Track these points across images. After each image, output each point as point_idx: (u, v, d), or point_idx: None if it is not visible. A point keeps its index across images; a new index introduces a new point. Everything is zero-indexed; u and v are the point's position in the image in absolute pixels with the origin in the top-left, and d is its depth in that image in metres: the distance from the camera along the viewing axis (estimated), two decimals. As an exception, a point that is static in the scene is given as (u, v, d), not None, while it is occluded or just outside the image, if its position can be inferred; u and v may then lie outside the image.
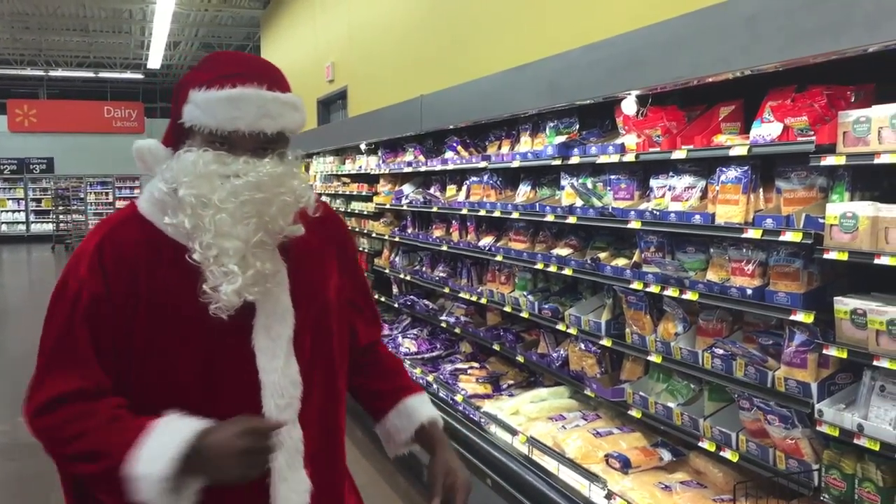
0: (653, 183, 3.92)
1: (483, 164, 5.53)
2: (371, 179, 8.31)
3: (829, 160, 2.84)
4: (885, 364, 2.68)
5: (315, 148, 10.25)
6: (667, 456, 3.92)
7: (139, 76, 27.63)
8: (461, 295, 5.97)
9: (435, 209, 6.32)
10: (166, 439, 1.56)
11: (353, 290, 2.07)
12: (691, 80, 3.35)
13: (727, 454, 3.38)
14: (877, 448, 2.71)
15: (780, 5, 2.90)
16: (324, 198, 10.07)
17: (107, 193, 29.10)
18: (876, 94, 2.94)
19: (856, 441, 2.79)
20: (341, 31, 11.26)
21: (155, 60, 22.89)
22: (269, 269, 1.69)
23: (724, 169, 3.37)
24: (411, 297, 7.05)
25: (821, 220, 2.88)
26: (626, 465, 3.82)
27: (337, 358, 1.95)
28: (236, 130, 1.66)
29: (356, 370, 2.10)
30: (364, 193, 8.43)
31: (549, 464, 4.12)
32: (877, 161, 2.67)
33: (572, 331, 4.49)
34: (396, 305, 7.37)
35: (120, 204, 27.44)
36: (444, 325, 6.31)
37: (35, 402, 1.67)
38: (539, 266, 4.76)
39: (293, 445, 1.76)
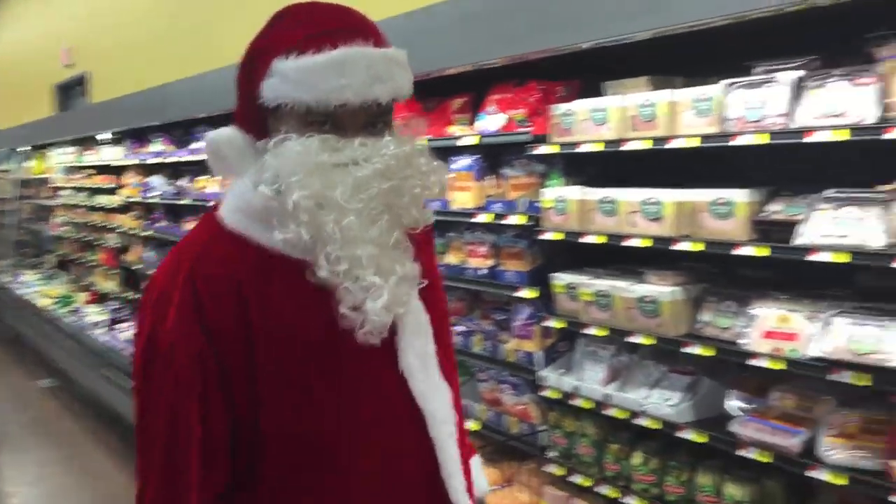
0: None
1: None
2: (116, 171, 7.86)
3: (544, 149, 3.14)
4: (593, 331, 3.02)
5: (52, 138, 9.49)
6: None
7: None
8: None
9: (186, 201, 6.13)
10: None
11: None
12: (427, 74, 3.53)
13: (470, 424, 3.62)
14: (590, 406, 3.05)
15: (500, 6, 3.13)
16: (65, 192, 9.37)
17: None
18: (582, 89, 3.27)
19: (572, 402, 3.12)
20: (80, 11, 10.48)
21: None
22: (411, 272, 1.35)
23: (456, 158, 3.59)
24: (165, 293, 6.78)
25: (538, 205, 3.17)
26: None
27: (456, 373, 1.63)
28: (344, 104, 1.28)
29: None
30: (109, 186, 7.95)
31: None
32: (579, 150, 2.99)
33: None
34: (149, 302, 7.04)
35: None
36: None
37: None
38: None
39: (461, 480, 1.44)
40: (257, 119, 1.36)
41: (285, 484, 1.33)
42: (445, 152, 3.76)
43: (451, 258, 3.73)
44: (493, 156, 3.59)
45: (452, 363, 1.58)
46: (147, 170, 7.20)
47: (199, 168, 6.22)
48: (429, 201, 1.42)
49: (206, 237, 1.36)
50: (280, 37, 1.33)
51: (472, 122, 3.69)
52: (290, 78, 1.28)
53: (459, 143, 3.47)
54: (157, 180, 6.91)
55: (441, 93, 3.90)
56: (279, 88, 1.29)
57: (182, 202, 6.21)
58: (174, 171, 6.86)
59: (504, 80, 3.54)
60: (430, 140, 3.67)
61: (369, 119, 1.32)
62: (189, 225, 6.28)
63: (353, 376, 1.34)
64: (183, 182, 6.46)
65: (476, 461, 1.68)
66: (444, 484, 1.39)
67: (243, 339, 1.28)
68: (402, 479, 1.38)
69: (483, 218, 3.42)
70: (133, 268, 7.38)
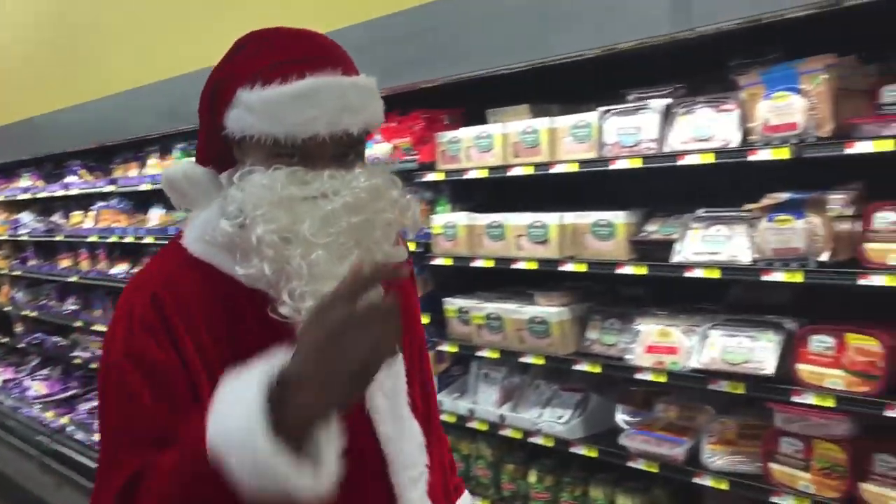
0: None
1: (110, 188, 5.27)
2: (-19, 208, 7.43)
3: (431, 176, 3.18)
4: (486, 354, 3.08)
5: None
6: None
7: None
8: (96, 327, 5.60)
9: (60, 237, 5.86)
10: (237, 395, 1.07)
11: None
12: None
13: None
14: (485, 428, 3.10)
15: (384, 37, 3.17)
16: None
17: None
18: (465, 117, 3.35)
19: (469, 425, 3.16)
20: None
21: None
22: None
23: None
24: (39, 334, 6.46)
25: (428, 231, 3.22)
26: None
27: (436, 409, 1.57)
28: (314, 136, 1.21)
29: None
30: (-26, 224, 7.50)
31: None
32: (466, 177, 3.05)
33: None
34: (22, 345, 6.70)
35: None
36: (78, 361, 5.87)
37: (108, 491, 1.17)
38: (177, 291, 4.65)
39: None
40: (222, 150, 1.31)
41: None
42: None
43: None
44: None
45: (431, 400, 1.52)
46: (15, 206, 6.85)
47: (74, 203, 5.97)
48: (404, 234, 1.37)
49: (174, 266, 1.30)
50: (243, 65, 1.27)
51: (358, 151, 3.71)
52: (255, 109, 1.22)
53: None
54: (26, 217, 6.58)
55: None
56: (244, 120, 1.23)
57: (55, 238, 5.94)
58: (45, 206, 6.55)
59: (388, 110, 3.56)
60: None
61: (340, 150, 1.26)
62: (66, 262, 6.01)
63: None
64: (56, 218, 6.18)
65: (465, 500, 1.62)
66: None
67: (203, 360, 1.22)
68: None
69: (373, 246, 3.42)
70: (3, 309, 6.97)
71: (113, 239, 5.20)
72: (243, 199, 1.21)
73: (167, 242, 1.38)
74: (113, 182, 5.24)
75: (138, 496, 1.14)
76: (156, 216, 5.05)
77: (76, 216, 5.89)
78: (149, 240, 4.87)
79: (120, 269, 5.32)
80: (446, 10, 2.92)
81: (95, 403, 5.46)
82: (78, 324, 5.82)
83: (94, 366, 5.72)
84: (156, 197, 5.09)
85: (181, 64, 4.57)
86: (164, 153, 4.92)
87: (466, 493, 1.64)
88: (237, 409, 1.04)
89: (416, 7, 3.03)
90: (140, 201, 5.29)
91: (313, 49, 1.28)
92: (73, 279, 5.78)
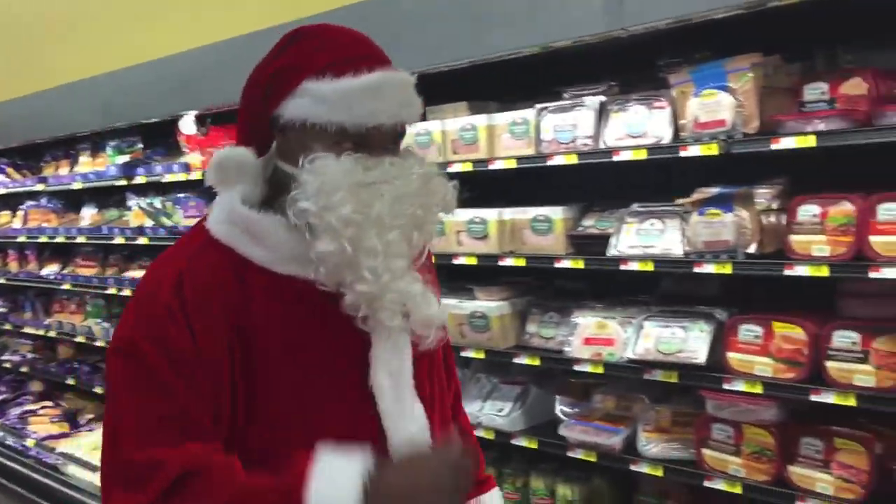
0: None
1: (40, 187, 5.13)
2: None
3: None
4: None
5: None
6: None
7: None
8: (26, 330, 5.46)
9: (-13, 238, 5.68)
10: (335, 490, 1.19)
11: None
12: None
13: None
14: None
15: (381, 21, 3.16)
16: None
17: None
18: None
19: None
20: None
21: None
22: (419, 291, 1.36)
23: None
24: (-35, 339, 6.24)
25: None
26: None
27: (449, 396, 1.61)
28: (378, 126, 1.32)
29: None
30: None
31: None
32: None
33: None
34: (-53, 351, 6.46)
35: None
36: (7, 365, 5.72)
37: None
38: (112, 291, 4.56)
39: None
40: (264, 136, 1.38)
41: None
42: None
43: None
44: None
45: (444, 385, 1.57)
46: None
47: (1, 203, 5.79)
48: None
49: (197, 245, 1.36)
50: (309, 58, 1.34)
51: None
52: (326, 99, 1.30)
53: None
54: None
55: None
56: (310, 108, 1.31)
57: (-18, 239, 5.75)
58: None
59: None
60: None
61: (394, 140, 1.37)
62: (-8, 264, 5.84)
63: (321, 390, 1.34)
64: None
65: (494, 495, 1.65)
66: None
67: (225, 344, 1.28)
68: None
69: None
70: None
71: (43, 239, 5.06)
72: (321, 183, 1.27)
73: (197, 221, 1.43)
74: (42, 181, 5.10)
75: (190, 495, 1.21)
76: (88, 215, 4.93)
77: (3, 216, 5.71)
78: (80, 239, 4.76)
79: (50, 269, 5.18)
80: (381, 8, 2.94)
81: (27, 408, 5.33)
82: (6, 327, 5.66)
83: (24, 370, 5.57)
84: (88, 195, 4.97)
85: (114, 60, 4.48)
86: (96, 151, 4.81)
87: (496, 490, 1.66)
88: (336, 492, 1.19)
89: (354, 4, 3.03)
90: (71, 200, 5.16)
91: (371, 47, 1.39)
92: (1, 281, 5.62)
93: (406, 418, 1.38)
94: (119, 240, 4.42)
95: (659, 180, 2.68)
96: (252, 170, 1.39)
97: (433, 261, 1.63)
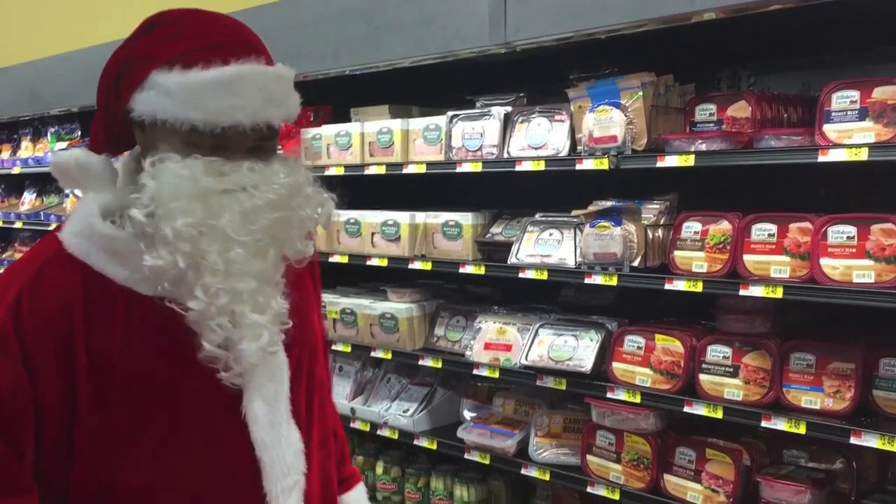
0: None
1: (-19, 170, 5.10)
2: None
3: (292, 172, 3.22)
4: (340, 347, 3.14)
5: None
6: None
7: None
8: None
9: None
10: None
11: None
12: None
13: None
14: (338, 420, 3.16)
15: (284, 26, 3.17)
16: None
17: None
18: (332, 114, 3.40)
19: (321, 416, 3.21)
20: None
21: None
22: (282, 310, 1.23)
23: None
24: None
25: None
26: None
27: (328, 415, 1.50)
28: (235, 126, 1.16)
29: None
30: None
31: None
32: (326, 174, 3.11)
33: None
34: None
35: None
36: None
37: None
38: (46, 277, 4.56)
39: None
40: (121, 133, 1.24)
41: None
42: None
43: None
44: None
45: (321, 401, 1.44)
46: None
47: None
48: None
49: (43, 260, 1.21)
50: (159, 46, 1.18)
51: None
52: (173, 93, 1.14)
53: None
54: None
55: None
56: (158, 103, 1.16)
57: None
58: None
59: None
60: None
61: (257, 142, 1.20)
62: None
63: (188, 421, 1.22)
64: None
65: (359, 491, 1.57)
66: None
67: (66, 374, 1.16)
68: None
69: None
70: None
71: (-17, 222, 5.05)
72: (158, 189, 1.14)
73: (49, 231, 1.30)
74: (-16, 164, 5.09)
75: None
76: (28, 201, 4.93)
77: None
78: (18, 224, 4.75)
79: (-9, 253, 5.17)
80: (282, 14, 2.97)
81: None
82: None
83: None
84: (29, 180, 4.97)
85: (50, 45, 4.47)
86: (37, 136, 4.81)
87: (360, 486, 1.58)
88: None
89: (252, 8, 3.06)
90: (12, 185, 5.15)
91: (234, 34, 1.22)
92: (-58, 263, 5.58)
93: (283, 446, 1.27)
94: (55, 226, 4.42)
95: (564, 191, 2.74)
96: (104, 172, 1.25)
97: (318, 271, 1.51)
